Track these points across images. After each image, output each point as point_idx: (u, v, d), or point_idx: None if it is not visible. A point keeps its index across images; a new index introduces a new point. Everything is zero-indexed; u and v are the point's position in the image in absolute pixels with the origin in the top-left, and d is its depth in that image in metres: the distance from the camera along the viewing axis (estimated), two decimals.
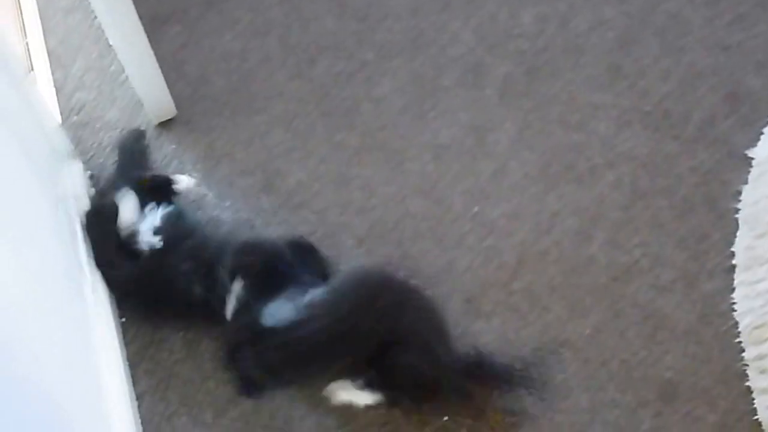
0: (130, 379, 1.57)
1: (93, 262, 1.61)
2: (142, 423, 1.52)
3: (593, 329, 1.53)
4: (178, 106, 1.84)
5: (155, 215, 1.58)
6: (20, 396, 1.08)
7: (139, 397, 1.54)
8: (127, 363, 1.58)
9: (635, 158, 1.72)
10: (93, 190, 1.77)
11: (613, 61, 1.85)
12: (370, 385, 1.43)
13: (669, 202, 1.66)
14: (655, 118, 1.77)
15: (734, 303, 1.52)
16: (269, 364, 1.44)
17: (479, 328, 1.55)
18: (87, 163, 1.82)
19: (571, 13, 1.93)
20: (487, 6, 1.96)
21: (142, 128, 1.82)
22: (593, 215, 1.64)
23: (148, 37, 1.67)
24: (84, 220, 1.65)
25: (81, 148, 1.84)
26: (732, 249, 1.58)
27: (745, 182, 1.65)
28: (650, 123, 1.76)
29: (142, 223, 1.57)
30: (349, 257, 1.63)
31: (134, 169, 1.71)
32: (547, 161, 1.71)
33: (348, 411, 1.47)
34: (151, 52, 1.70)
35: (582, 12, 1.93)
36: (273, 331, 1.41)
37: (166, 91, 1.80)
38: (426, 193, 1.70)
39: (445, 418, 1.46)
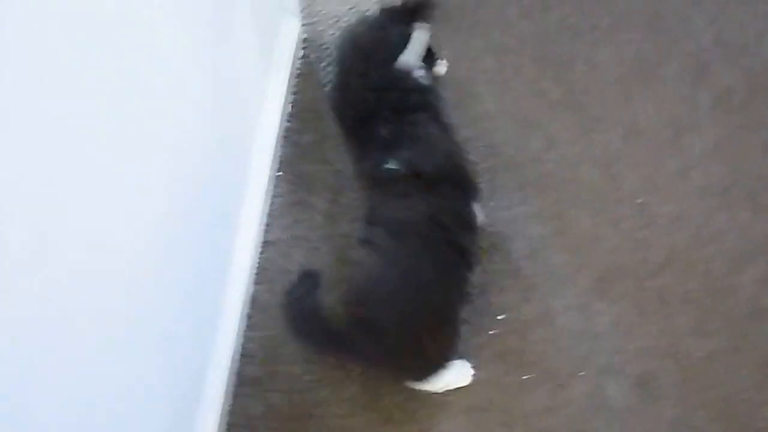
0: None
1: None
2: None
3: (707, 355, 1.51)
4: None
5: None
6: None
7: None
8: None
9: None
10: (302, 52, 1.89)
11: None
12: None
13: None
14: None
15: None
16: None
17: (598, 309, 1.56)
18: (306, 27, 1.93)
19: None
20: (738, 15, 1.89)
21: None
22: (757, 247, 1.60)
23: None
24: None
25: (306, 12, 1.95)
26: None
27: None
28: None
29: None
30: (504, 199, 1.68)
31: None
32: (732, 181, 1.67)
33: None
34: None
35: None
36: None
37: None
38: (602, 166, 1.70)
39: None
